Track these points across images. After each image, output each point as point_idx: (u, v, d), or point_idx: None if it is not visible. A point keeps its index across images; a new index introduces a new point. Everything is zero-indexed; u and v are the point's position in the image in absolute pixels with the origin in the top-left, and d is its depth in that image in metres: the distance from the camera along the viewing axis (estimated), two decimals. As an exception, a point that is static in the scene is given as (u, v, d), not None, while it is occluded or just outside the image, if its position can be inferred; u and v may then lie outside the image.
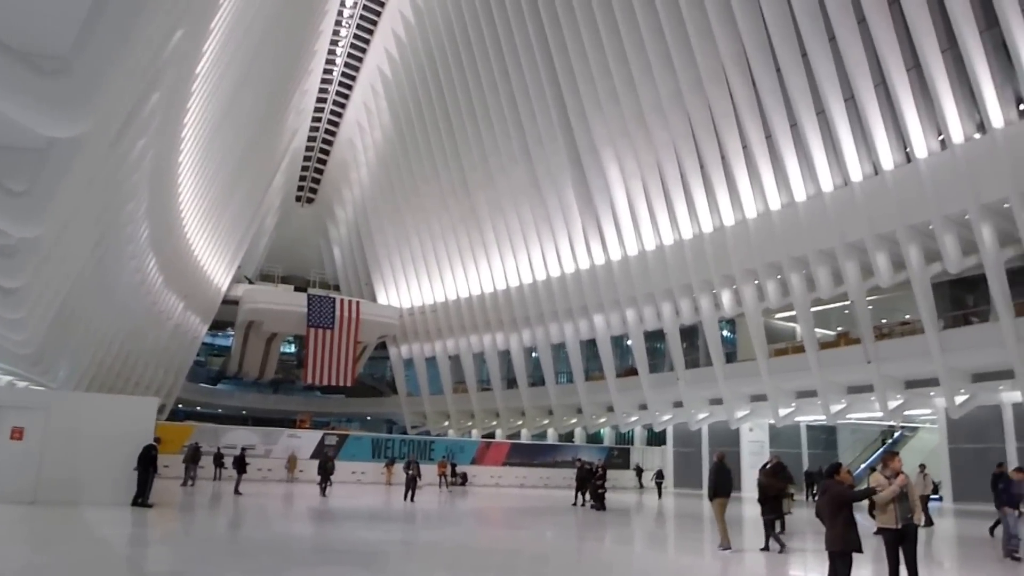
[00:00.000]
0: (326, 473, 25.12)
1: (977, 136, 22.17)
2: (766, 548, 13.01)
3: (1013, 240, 22.31)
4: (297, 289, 52.69)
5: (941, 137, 22.96)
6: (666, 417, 36.21)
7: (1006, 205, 21.62)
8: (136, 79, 10.23)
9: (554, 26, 34.61)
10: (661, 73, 30.12)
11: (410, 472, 23.86)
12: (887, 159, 24.23)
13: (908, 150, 23.82)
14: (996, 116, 21.36)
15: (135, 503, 16.09)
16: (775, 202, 27.80)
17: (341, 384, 46.82)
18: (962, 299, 26.78)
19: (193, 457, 25.32)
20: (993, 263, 22.14)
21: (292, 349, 58.79)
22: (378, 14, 46.37)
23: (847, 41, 24.00)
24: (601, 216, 35.12)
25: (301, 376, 49.06)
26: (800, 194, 26.91)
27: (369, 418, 59.61)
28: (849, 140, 25.04)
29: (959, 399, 24.82)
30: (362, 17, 46.86)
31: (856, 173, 25.11)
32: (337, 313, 46.40)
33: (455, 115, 42.34)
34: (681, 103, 29.91)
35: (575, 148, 35.55)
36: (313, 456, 31.97)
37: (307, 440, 33.94)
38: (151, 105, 13.48)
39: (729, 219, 29.55)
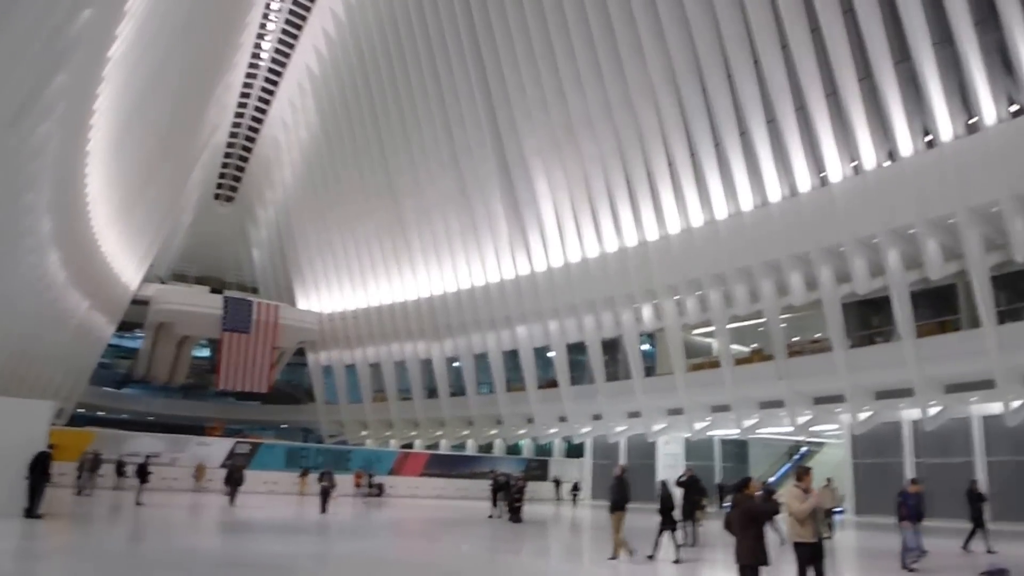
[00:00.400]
0: (234, 483, 24.15)
1: (887, 164, 23.19)
2: (652, 557, 13.08)
3: (916, 264, 23.44)
4: (213, 291, 50.75)
5: (854, 163, 23.95)
6: (585, 429, 36.43)
7: (911, 231, 22.69)
8: (32, 56, 9.53)
9: (487, 33, 34.59)
10: (591, 85, 30.46)
11: (324, 483, 23.18)
12: (804, 182, 25.10)
13: (823, 174, 24.74)
14: (906, 145, 22.36)
15: (27, 515, 15.03)
16: (697, 219, 28.42)
17: (256, 391, 45.35)
18: (869, 319, 27.93)
19: (92, 466, 23.90)
20: (898, 285, 23.19)
21: (206, 353, 56.61)
22: (308, 9, 45.45)
23: (771, 66, 24.79)
24: (527, 227, 35.19)
25: (214, 381, 47.30)
26: (721, 212, 27.59)
27: (285, 426, 57.87)
28: (769, 161, 25.82)
29: (863, 416, 25.82)
30: (291, 11, 45.85)
31: (775, 194, 25.91)
32: (254, 317, 45.00)
33: (384, 118, 41.78)
34: (610, 117, 30.29)
35: (504, 157, 35.56)
36: (223, 465, 30.76)
37: (217, 448, 32.63)
38: (55, 88, 12.65)
39: (653, 234, 30.04)
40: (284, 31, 46.67)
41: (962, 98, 21.54)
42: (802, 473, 8.58)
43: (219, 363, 44.63)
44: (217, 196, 58.09)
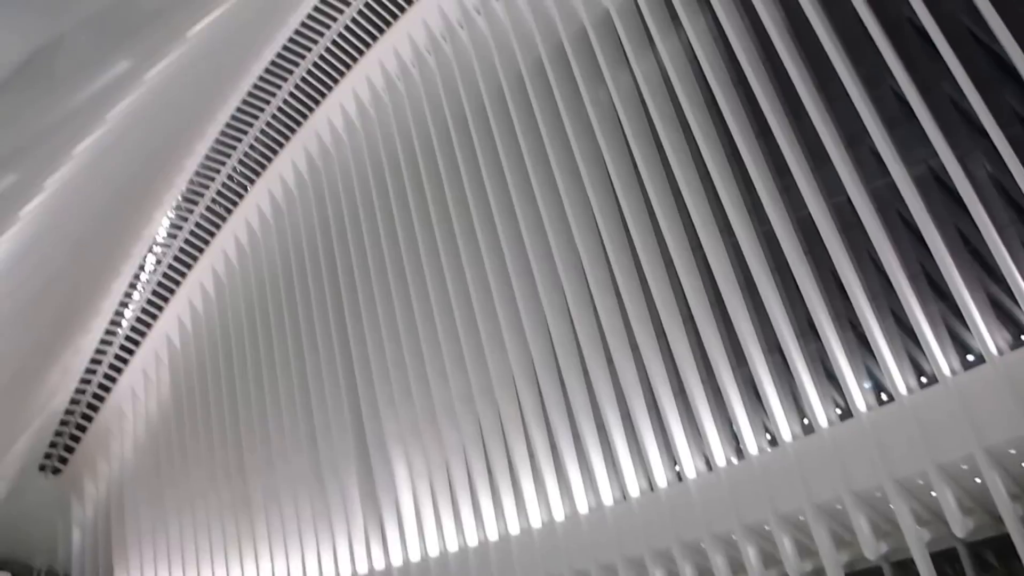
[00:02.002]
0: None
1: (769, 450, 23.73)
2: None
3: (776, 561, 23.45)
4: (13, 579, 43.65)
5: (706, 458, 24.81)
6: None
7: (801, 517, 22.74)
8: None
9: (354, 316, 35.41)
10: (455, 374, 31.07)
11: None
12: (660, 476, 25.47)
13: (677, 468, 25.33)
14: (785, 431, 23.25)
15: None
16: (559, 512, 27.89)
17: None
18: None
19: None
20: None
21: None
22: (177, 283, 45.39)
23: (623, 365, 26.41)
24: (385, 515, 33.32)
25: None
26: (583, 506, 27.27)
27: None
28: (627, 455, 26.33)
29: None
30: (159, 283, 45.64)
31: (633, 488, 26.04)
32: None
33: (242, 392, 40.43)
34: (472, 406, 30.60)
35: (364, 441, 34.57)
36: None
37: None
38: None
39: (515, 528, 29.04)
40: (149, 301, 46.02)
41: (794, 401, 23.34)
42: None
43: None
44: (43, 467, 52.24)
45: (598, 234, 27.85)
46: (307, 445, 36.75)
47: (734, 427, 23.99)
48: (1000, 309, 20.44)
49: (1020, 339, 19.87)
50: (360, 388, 34.73)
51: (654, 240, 26.69)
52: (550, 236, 28.72)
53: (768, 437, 23.75)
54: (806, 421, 22.99)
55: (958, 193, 20.60)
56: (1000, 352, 19.85)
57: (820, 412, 22.37)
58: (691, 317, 25.19)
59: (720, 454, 24.21)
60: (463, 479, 30.76)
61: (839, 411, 22.48)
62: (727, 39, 25.11)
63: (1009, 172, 19.72)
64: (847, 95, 22.42)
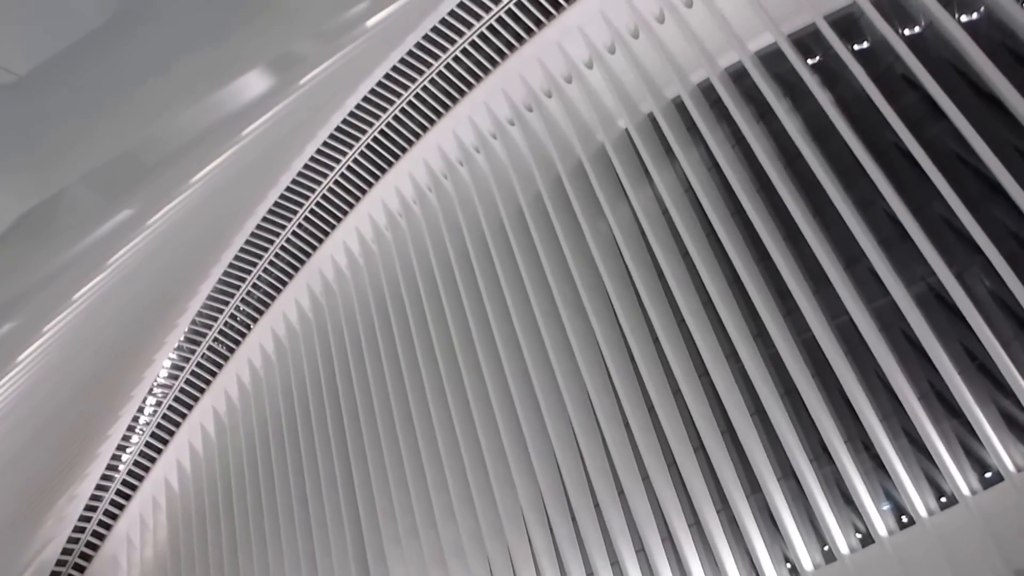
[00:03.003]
0: None
1: None
2: None
3: None
4: None
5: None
6: None
7: None
8: None
9: (359, 459, 34.54)
10: (462, 513, 29.96)
11: None
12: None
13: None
14: (806, 559, 22.17)
15: None
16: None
17: None
18: None
19: None
20: None
21: None
22: (177, 424, 44.71)
23: (635, 497, 25.52)
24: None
25: None
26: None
27: None
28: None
29: None
30: (159, 426, 44.95)
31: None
32: None
33: (242, 538, 38.88)
34: (482, 545, 29.32)
35: (369, 586, 32.94)
36: None
37: None
38: None
39: None
40: (148, 444, 45.18)
41: (813, 528, 22.46)
42: None
43: None
44: (31, 623, 49.63)
45: (604, 365, 27.61)
46: (309, 593, 34.99)
47: (752, 558, 22.89)
48: (1014, 424, 19.97)
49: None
50: (365, 532, 33.39)
51: (660, 369, 26.43)
52: (555, 368, 28.43)
53: (788, 566, 22.64)
54: (827, 548, 22.04)
55: (959, 309, 20.61)
56: (1019, 469, 19.27)
57: (840, 539, 21.47)
58: (702, 446, 24.58)
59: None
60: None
61: (859, 536, 21.59)
62: (721, 169, 25.90)
63: (1007, 287, 19.79)
64: (841, 219, 22.83)
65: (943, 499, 20.38)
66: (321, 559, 34.82)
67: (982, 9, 22.26)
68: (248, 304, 42.11)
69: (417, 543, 31.37)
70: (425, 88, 34.12)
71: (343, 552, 34.11)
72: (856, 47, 24.43)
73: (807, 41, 25.38)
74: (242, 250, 40.77)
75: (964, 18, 22.54)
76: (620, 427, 26.80)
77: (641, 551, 25.25)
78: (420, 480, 31.79)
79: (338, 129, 36.23)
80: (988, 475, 19.77)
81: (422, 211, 35.86)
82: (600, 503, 26.36)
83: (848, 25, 24.58)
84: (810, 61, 25.14)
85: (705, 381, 25.34)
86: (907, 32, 23.53)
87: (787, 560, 22.73)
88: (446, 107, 34.07)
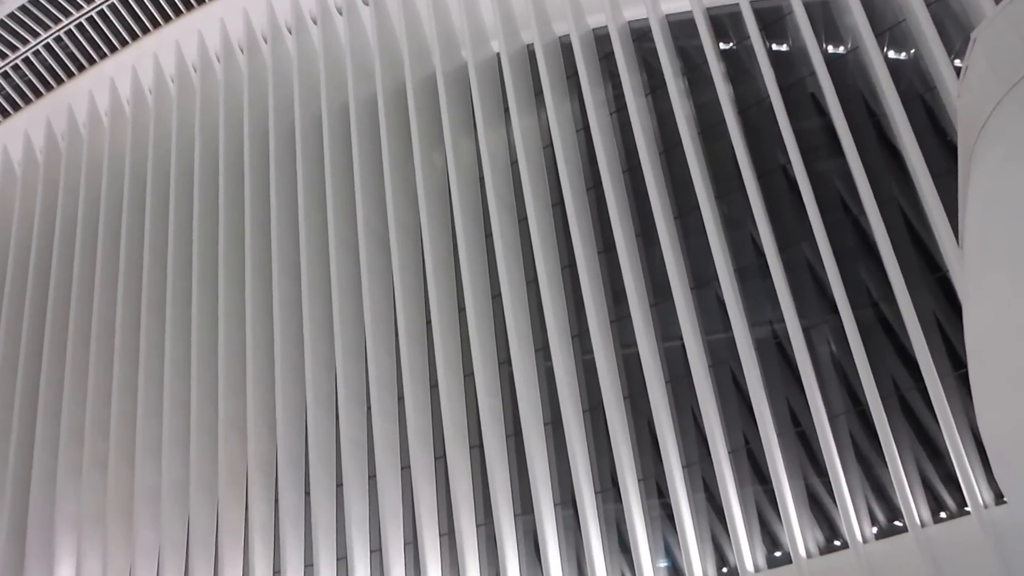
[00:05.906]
0: None
1: None
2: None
3: None
4: None
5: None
6: None
7: None
8: None
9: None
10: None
11: None
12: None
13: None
14: None
15: None
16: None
17: None
18: None
19: None
20: None
21: None
22: None
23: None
24: None
25: None
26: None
27: None
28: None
29: None
30: None
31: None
32: None
33: None
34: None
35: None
36: None
37: None
38: None
39: None
40: None
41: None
42: None
43: None
44: None
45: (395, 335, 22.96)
46: None
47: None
48: (816, 505, 18.13)
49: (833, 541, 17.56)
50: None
51: (458, 345, 22.25)
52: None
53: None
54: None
55: (796, 367, 18.32)
56: (809, 555, 17.42)
57: None
58: (480, 444, 20.73)
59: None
60: None
61: None
62: (590, 133, 21.97)
63: (852, 357, 17.65)
64: (704, 232, 19.76)
65: (725, 569, 18.13)
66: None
67: (912, 52, 19.87)
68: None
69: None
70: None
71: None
72: (774, 47, 21.38)
73: (724, 21, 21.95)
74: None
75: (892, 54, 20.11)
76: (394, 400, 22.39)
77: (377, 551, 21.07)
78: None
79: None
80: (778, 554, 17.74)
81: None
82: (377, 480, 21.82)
83: (772, 19, 21.43)
84: (722, 46, 21.78)
85: (504, 370, 21.53)
86: (830, 49, 20.77)
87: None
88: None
